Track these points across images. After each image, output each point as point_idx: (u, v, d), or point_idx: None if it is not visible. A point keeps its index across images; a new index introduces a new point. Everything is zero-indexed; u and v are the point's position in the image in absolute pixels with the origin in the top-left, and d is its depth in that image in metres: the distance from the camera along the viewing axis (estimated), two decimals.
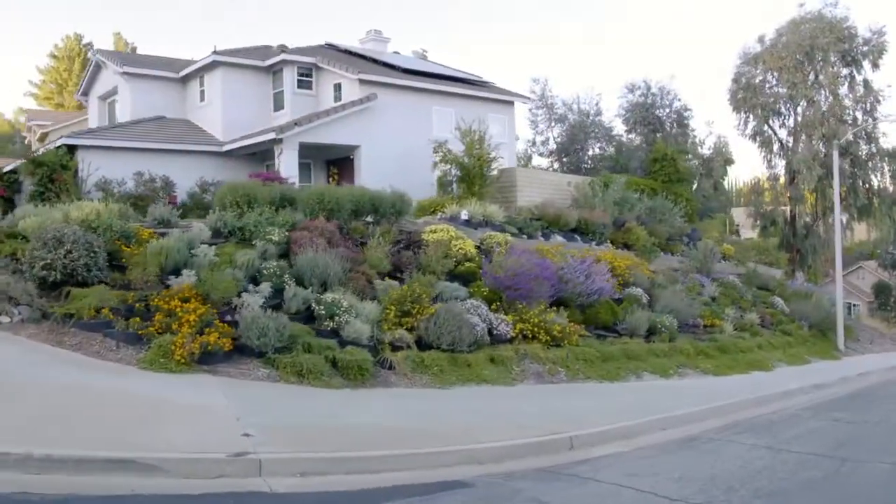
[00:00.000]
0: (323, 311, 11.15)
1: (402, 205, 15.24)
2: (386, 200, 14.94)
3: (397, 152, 20.56)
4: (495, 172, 21.20)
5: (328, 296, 11.39)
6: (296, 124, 19.19)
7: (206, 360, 9.56)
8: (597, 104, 38.67)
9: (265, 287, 11.41)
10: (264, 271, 11.83)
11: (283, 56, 21.63)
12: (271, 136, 18.86)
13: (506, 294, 13.67)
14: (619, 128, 36.94)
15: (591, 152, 38.68)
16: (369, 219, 15.03)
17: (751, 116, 34.60)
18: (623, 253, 20.39)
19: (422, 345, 11.54)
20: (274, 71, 22.18)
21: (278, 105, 22.21)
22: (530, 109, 40.93)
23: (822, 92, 33.14)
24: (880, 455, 8.10)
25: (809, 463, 7.64)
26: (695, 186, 35.17)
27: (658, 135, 35.55)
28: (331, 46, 25.61)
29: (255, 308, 10.55)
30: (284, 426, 7.52)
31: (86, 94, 25.21)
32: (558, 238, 20.12)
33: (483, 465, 7.05)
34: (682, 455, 8.04)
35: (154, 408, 7.56)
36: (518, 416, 9.14)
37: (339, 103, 20.69)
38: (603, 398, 11.19)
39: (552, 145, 39.74)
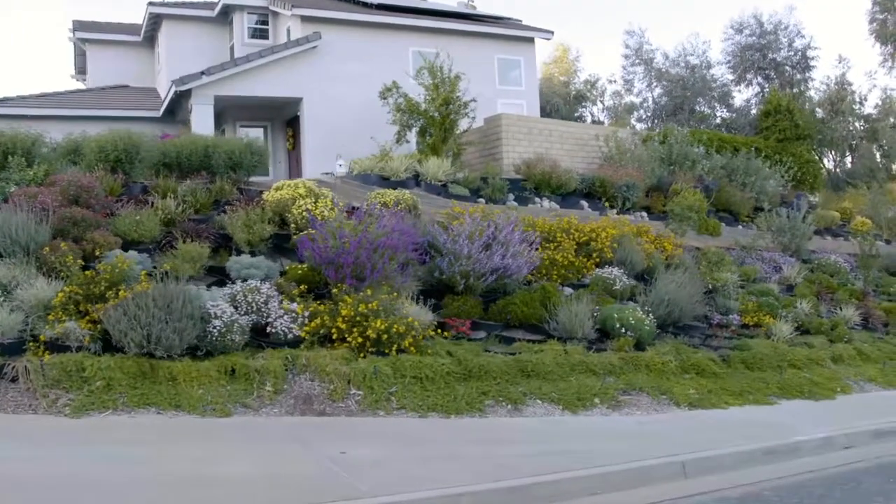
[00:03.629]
0: None
1: (247, 157, 11.14)
2: (220, 152, 10.93)
3: (357, 106, 16.43)
4: (475, 123, 16.25)
5: None
6: (203, 73, 15.79)
7: None
8: (704, 53, 31.43)
9: None
10: None
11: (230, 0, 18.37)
12: (175, 89, 15.63)
13: (327, 273, 9.09)
14: (725, 77, 29.44)
15: (702, 110, 31.48)
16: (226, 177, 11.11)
17: None
18: (645, 223, 14.58)
19: (112, 345, 7.44)
20: (229, 21, 19.03)
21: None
22: (624, 67, 34.75)
23: None
24: None
25: None
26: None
27: (776, 82, 27.70)
28: None
29: None
30: None
31: (82, 72, 24.03)
32: (545, 204, 14.79)
33: None
34: None
35: None
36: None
37: (267, 46, 16.98)
38: (365, 446, 6.34)
39: (651, 107, 33.12)
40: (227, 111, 18.35)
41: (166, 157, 11.03)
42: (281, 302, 8.59)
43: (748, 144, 22.28)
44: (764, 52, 27.48)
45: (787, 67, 27.29)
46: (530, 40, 19.89)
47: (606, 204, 15.78)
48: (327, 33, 17.06)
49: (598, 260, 11.82)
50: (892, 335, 14.06)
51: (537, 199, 14.79)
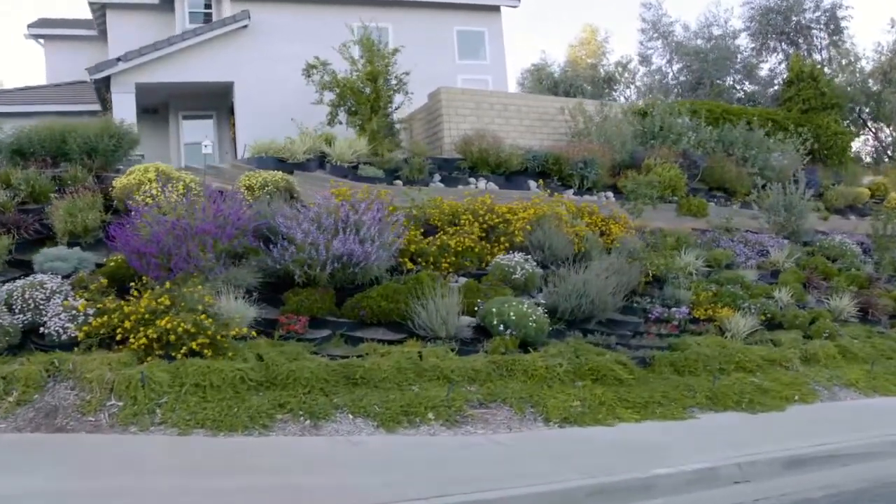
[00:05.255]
0: None
1: (103, 142, 9.92)
2: (75, 136, 9.75)
3: (296, 88, 15.04)
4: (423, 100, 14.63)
5: None
6: (118, 60, 14.75)
7: None
8: (727, 23, 28.66)
9: None
10: None
11: None
12: (91, 77, 14.67)
13: (133, 264, 7.73)
14: (748, 47, 26.60)
15: (725, 84, 28.67)
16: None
17: None
18: (603, 204, 12.66)
19: None
20: (173, 7, 18.01)
21: None
22: (641, 42, 32.28)
23: None
24: None
25: None
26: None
27: (803, 48, 24.76)
28: None
29: None
30: None
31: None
32: (481, 185, 13.04)
33: None
34: None
35: None
36: None
37: (190, 28, 15.81)
38: None
39: (671, 83, 30.56)
40: (171, 102, 17.40)
41: (18, 143, 9.94)
42: (65, 298, 7.27)
43: (761, 116, 19.74)
44: (787, 15, 24.52)
45: (815, 30, 24.28)
46: (495, 9, 18.01)
47: (559, 183, 13.86)
48: (260, 12, 15.80)
49: (506, 245, 10.03)
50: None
51: (472, 180, 13.04)
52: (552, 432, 6.82)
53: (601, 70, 37.16)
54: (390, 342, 8.05)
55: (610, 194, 14.25)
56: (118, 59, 14.67)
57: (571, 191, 13.88)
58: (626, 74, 36.99)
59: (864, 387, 9.42)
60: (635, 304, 10.18)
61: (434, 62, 16.94)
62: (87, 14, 19.22)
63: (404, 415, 6.71)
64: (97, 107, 16.35)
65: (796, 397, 8.67)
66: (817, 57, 23.33)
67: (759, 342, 9.97)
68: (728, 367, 9.00)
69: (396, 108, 14.13)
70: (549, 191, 12.89)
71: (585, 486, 5.32)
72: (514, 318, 8.06)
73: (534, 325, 8.09)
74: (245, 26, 15.71)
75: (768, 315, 10.58)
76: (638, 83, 34.84)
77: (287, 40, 15.72)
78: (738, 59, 27.05)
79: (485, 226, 10.34)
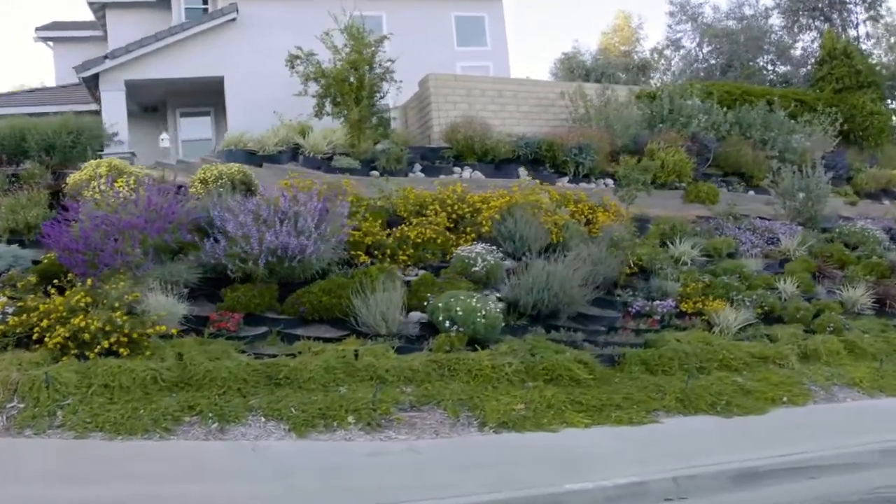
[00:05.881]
0: None
1: (61, 138, 9.74)
2: (34, 134, 9.60)
3: (283, 82, 14.69)
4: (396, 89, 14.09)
5: None
6: (106, 57, 14.64)
7: None
8: (757, 1, 27.17)
9: None
10: None
11: None
12: (80, 76, 14.62)
13: (62, 260, 7.45)
14: (777, 23, 25.12)
15: (758, 65, 27.20)
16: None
17: None
18: (595, 191, 11.95)
19: None
20: (170, 5, 17.90)
21: None
22: (669, 26, 30.96)
23: None
24: None
25: None
26: None
27: (837, 23, 23.20)
28: None
29: None
30: None
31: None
32: (466, 174, 12.43)
33: None
34: None
35: None
36: None
37: (180, 23, 15.58)
38: None
39: (700, 67, 29.22)
40: (169, 99, 17.31)
41: None
42: None
43: (787, 97, 18.48)
44: None
45: (850, 5, 22.66)
46: None
47: (553, 171, 13.12)
48: (250, 5, 15.51)
49: (473, 236, 9.41)
50: None
51: (457, 169, 12.42)
52: (484, 438, 6.22)
53: (635, 57, 35.95)
54: (329, 340, 7.57)
55: (610, 181, 13.40)
56: (105, 57, 14.59)
57: (566, 178, 13.12)
58: (662, 61, 35.68)
59: (868, 386, 8.47)
60: (617, 298, 9.43)
61: (431, 50, 16.38)
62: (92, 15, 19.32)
63: (322, 418, 6.22)
64: (93, 106, 16.38)
65: (784, 399, 7.81)
66: (853, 33, 21.79)
67: (752, 337, 9.09)
68: (709, 366, 8.19)
69: (382, 97, 13.60)
70: (537, 179, 12.23)
71: (486, 501, 4.72)
72: (460, 313, 7.47)
73: (483, 320, 7.47)
74: (233, 19, 15.45)
75: (766, 308, 9.68)
76: (673, 69, 33.52)
77: (277, 33, 15.35)
78: (771, 40, 25.59)
79: (454, 216, 9.76)
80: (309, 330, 7.80)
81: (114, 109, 14.61)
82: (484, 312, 7.52)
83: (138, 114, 17.76)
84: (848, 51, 20.36)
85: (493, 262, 8.61)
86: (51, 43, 20.01)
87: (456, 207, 9.74)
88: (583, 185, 13.08)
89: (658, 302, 9.19)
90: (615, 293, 9.51)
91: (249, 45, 15.48)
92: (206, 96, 17.05)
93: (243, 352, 7.14)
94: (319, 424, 6.14)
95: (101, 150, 14.29)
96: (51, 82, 22.06)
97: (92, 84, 14.93)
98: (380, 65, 13.52)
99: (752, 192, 14.89)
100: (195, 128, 17.23)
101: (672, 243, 10.89)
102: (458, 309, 7.49)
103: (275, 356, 7.04)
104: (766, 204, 14.11)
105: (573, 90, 15.00)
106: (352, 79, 13.36)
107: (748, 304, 9.58)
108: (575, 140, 13.13)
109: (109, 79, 14.71)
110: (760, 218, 13.36)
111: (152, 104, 17.59)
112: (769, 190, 14.43)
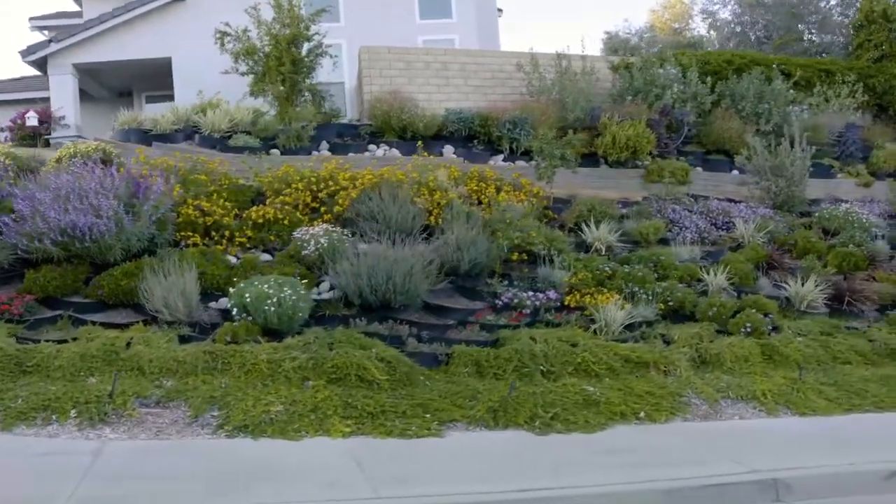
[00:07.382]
0: None
1: None
2: None
3: (230, 62, 14.20)
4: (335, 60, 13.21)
5: None
6: (51, 41, 14.48)
7: None
8: None
9: None
10: None
11: None
12: (25, 60, 14.54)
13: None
14: None
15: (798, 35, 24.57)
16: None
17: None
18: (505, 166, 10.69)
19: None
20: None
21: None
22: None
23: None
24: None
25: None
26: None
27: None
28: None
29: None
30: None
31: None
32: (380, 152, 11.46)
33: None
34: None
35: None
36: None
37: (125, 4, 15.19)
38: None
39: (734, 40, 26.84)
40: (134, 84, 17.18)
41: None
42: None
43: (807, 66, 16.30)
44: None
45: None
46: None
47: (485, 148, 11.90)
48: None
49: (328, 217, 8.44)
50: (892, 324, 8.73)
51: (372, 147, 11.42)
52: (205, 443, 5.34)
53: (686, 34, 33.63)
54: (121, 326, 6.87)
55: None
56: (50, 41, 14.50)
57: (501, 157, 11.89)
58: (716, 35, 33.18)
59: (772, 401, 6.92)
60: (488, 288, 8.23)
61: (390, 24, 15.41)
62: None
63: (43, 410, 5.55)
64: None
65: (642, 414, 6.44)
66: None
67: (642, 338, 7.69)
68: (561, 371, 6.91)
69: (312, 72, 12.78)
70: (467, 159, 11.09)
71: None
72: (249, 299, 6.56)
73: (273, 309, 6.54)
74: None
75: (672, 303, 8.20)
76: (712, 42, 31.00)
77: (225, 11, 14.79)
78: (811, 7, 23.00)
79: (320, 195, 8.83)
80: (109, 315, 7.14)
81: (62, 94, 14.51)
82: (276, 299, 6.57)
83: (109, 99, 17.79)
84: (888, 14, 17.81)
85: (325, 244, 7.62)
86: (46, 32, 20.38)
87: (322, 186, 8.81)
88: (520, 163, 11.80)
89: (531, 293, 7.92)
90: (490, 282, 8.31)
91: (197, 23, 14.97)
92: (168, 80, 16.79)
93: (16, 336, 6.55)
94: (37, 417, 5.45)
95: (49, 135, 14.30)
96: None
97: (39, 67, 14.88)
98: (314, 39, 12.73)
99: (735, 172, 13.10)
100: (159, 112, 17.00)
101: (587, 226, 9.51)
102: (246, 295, 6.59)
103: (56, 342, 6.42)
104: (740, 184, 12.35)
105: (530, 61, 13.64)
106: (275, 54, 12.63)
107: (650, 298, 8.15)
108: (510, 114, 11.86)
109: (57, 63, 14.61)
110: (728, 200, 11.66)
111: (125, 89, 17.55)
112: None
